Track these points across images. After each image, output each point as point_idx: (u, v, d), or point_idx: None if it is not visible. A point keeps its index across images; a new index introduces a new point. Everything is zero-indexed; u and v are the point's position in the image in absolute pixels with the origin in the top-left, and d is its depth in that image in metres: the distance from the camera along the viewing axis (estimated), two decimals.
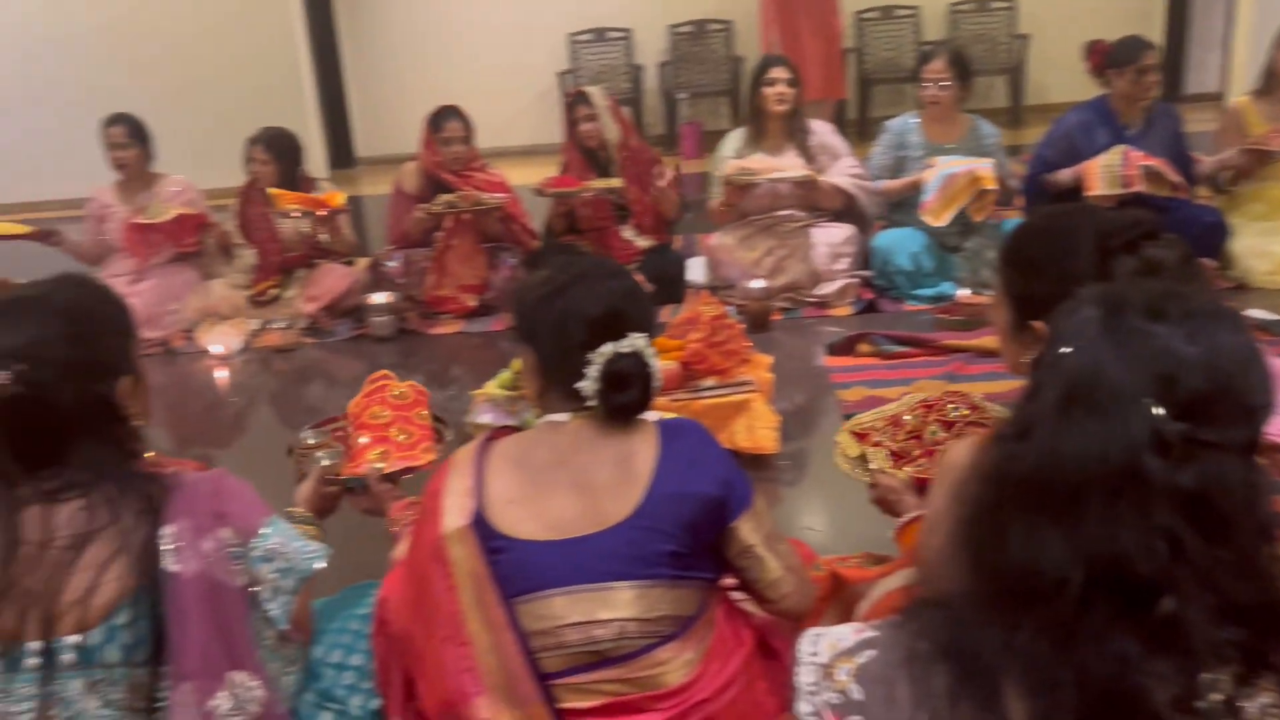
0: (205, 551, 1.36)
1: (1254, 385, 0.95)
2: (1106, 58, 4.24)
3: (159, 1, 7.27)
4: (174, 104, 7.05)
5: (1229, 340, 0.95)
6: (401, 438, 2.48)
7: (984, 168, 4.04)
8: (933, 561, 1.13)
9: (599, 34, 8.11)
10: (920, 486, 2.04)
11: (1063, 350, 0.97)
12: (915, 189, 4.28)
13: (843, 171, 4.42)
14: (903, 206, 4.45)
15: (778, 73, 4.36)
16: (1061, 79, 7.88)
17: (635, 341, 1.55)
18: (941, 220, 4.07)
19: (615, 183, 4.34)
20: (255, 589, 1.42)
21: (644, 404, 1.59)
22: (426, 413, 2.35)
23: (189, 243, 4.63)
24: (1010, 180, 4.38)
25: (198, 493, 1.40)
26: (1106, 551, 0.90)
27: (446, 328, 4.45)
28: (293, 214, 4.45)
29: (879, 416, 2.38)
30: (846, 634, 1.03)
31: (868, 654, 0.99)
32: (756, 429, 3.00)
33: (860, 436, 2.21)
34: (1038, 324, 1.35)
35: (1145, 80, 4.18)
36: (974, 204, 4.07)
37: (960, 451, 1.53)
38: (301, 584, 1.46)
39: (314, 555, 1.47)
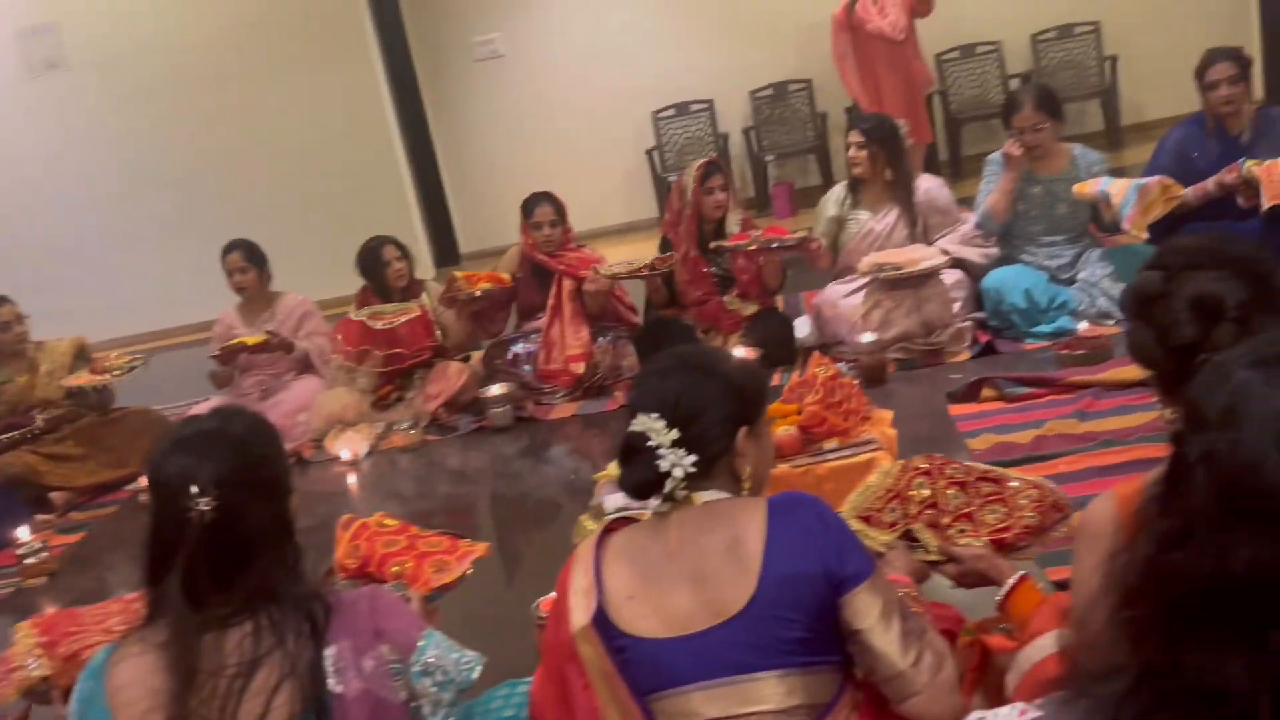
0: (367, 670, 1.40)
1: None
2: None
3: (265, 132, 7.68)
4: (289, 227, 7.40)
5: None
6: (437, 546, 2.50)
7: (1168, 177, 3.95)
8: (1092, 636, 1.06)
9: (681, 108, 8.24)
10: (997, 547, 1.95)
11: (1213, 441, 0.87)
12: (1012, 196, 4.27)
13: (965, 236, 4.42)
14: (1012, 240, 4.39)
15: (851, 136, 4.46)
16: (1156, 96, 7.68)
17: (645, 421, 1.56)
18: (1142, 230, 3.94)
19: (798, 235, 4.40)
20: (416, 703, 1.45)
21: (652, 485, 1.56)
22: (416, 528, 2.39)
23: (425, 347, 4.71)
24: None
25: (356, 611, 1.46)
26: None
27: (562, 411, 4.51)
28: (478, 293, 4.60)
29: (868, 496, 2.28)
30: (1011, 715, 0.99)
31: None
32: None
33: (865, 519, 2.11)
34: None
35: (1216, 94, 4.05)
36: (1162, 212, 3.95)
37: (1101, 512, 1.43)
38: (460, 695, 1.48)
39: (470, 665, 1.50)
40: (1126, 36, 7.72)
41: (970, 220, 4.48)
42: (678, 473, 1.55)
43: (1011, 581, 1.78)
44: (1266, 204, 3.71)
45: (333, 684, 1.38)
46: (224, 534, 1.43)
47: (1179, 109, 4.53)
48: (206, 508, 1.42)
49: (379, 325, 4.63)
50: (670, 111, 8.25)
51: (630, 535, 1.63)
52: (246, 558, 1.45)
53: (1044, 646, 1.56)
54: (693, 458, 1.55)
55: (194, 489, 1.42)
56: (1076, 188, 4.10)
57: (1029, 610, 1.72)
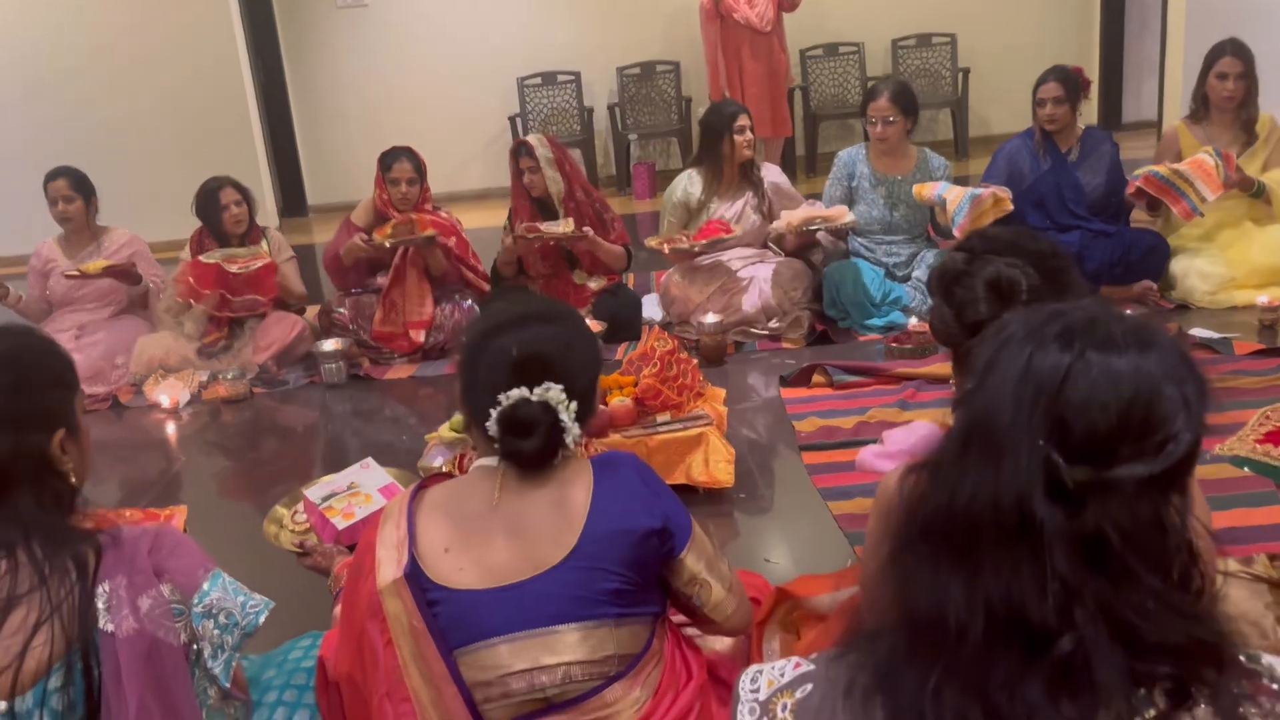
0: (143, 609, 1.32)
1: (1163, 419, 0.88)
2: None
3: (107, 56, 7.23)
4: (122, 158, 7.01)
5: (1141, 371, 0.88)
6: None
7: (1003, 189, 4.09)
8: (868, 590, 1.13)
9: (548, 78, 8.16)
10: None
11: (974, 385, 0.93)
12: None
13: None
14: (853, 236, 4.53)
15: (744, 120, 4.42)
16: (1001, 111, 8.06)
17: (549, 392, 1.51)
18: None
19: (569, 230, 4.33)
20: (197, 646, 1.38)
21: (546, 456, 1.54)
22: None
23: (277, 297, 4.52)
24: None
25: (136, 548, 1.36)
26: (1004, 599, 0.87)
27: (399, 372, 4.42)
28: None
29: None
30: (786, 668, 1.02)
31: (805, 688, 0.98)
32: (712, 463, 2.99)
33: None
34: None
35: (1042, 111, 4.33)
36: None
37: (892, 478, 1.53)
38: (245, 639, 1.41)
39: (257, 609, 1.43)
40: (980, 51, 8.06)
41: (811, 203, 4.60)
42: (570, 441, 1.54)
43: None
44: (1211, 196, 3.99)
45: (104, 623, 1.30)
46: None
47: (1021, 125, 4.75)
48: None
49: (234, 269, 4.40)
50: (536, 80, 8.16)
51: (448, 489, 1.60)
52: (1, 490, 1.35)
53: (839, 596, 1.65)
54: (579, 426, 1.55)
55: None
56: (916, 188, 4.24)
57: None
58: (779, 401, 3.64)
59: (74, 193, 4.60)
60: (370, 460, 2.26)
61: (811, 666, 1.00)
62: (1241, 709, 0.87)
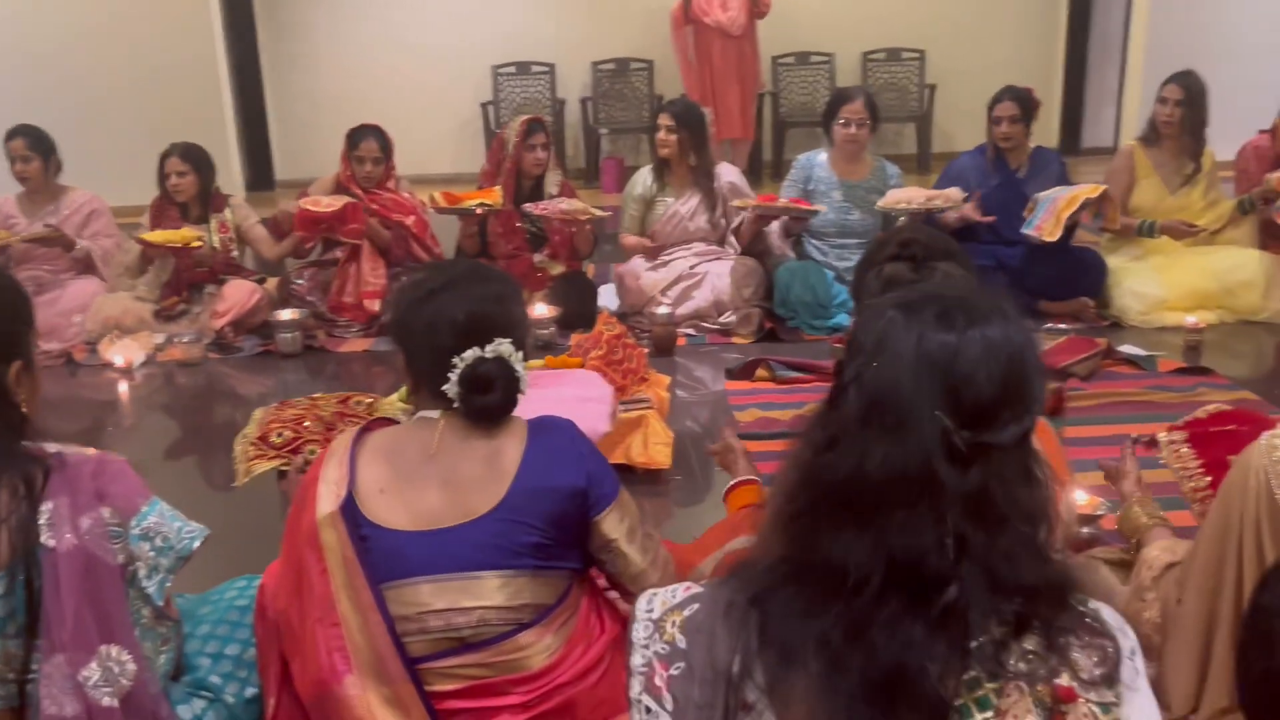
0: (83, 528, 1.40)
1: (1030, 382, 1.02)
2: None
3: (75, 19, 7.19)
4: (90, 121, 6.98)
5: (1011, 341, 1.02)
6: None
7: (1082, 186, 4.26)
8: (760, 532, 1.25)
9: (522, 67, 8.23)
10: None
11: (865, 364, 1.03)
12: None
13: (776, 233, 4.70)
14: (808, 238, 4.65)
15: (661, 119, 4.57)
16: (965, 128, 8.20)
17: (500, 347, 1.62)
18: (1056, 235, 4.19)
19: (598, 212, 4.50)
20: (133, 566, 1.46)
21: (507, 407, 1.66)
22: None
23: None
24: None
25: (80, 472, 1.45)
26: (905, 553, 0.98)
27: (354, 345, 4.48)
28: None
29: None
30: (678, 590, 1.13)
31: (693, 607, 1.09)
32: (651, 445, 3.09)
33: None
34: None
35: (998, 129, 4.46)
36: (1094, 211, 4.29)
37: None
38: (180, 563, 1.50)
39: (193, 535, 1.52)
40: (948, 69, 8.22)
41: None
42: (524, 388, 1.65)
43: (738, 480, 2.08)
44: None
45: (45, 538, 1.38)
46: None
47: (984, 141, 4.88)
48: None
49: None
50: (511, 69, 8.22)
51: (390, 435, 1.70)
52: None
53: (736, 545, 1.77)
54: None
55: None
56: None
57: (743, 504, 1.97)
58: (724, 393, 3.75)
59: (31, 152, 4.60)
60: None
61: (700, 589, 1.11)
62: (1063, 640, 0.99)
